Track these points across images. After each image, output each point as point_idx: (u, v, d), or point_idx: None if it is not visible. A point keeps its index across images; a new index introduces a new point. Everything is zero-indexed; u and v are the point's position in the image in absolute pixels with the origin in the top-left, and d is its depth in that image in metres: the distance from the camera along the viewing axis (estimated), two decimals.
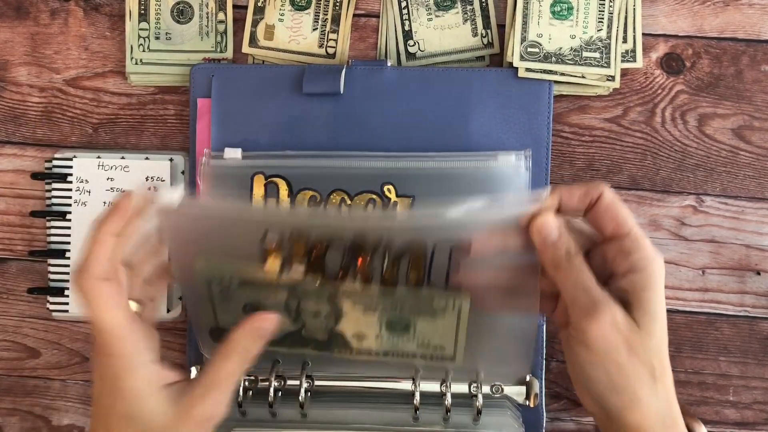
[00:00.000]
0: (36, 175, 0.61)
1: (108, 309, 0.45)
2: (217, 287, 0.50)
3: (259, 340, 0.48)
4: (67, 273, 0.61)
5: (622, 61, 0.60)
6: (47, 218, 0.61)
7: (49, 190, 0.61)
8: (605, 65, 0.59)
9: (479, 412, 0.54)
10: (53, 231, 0.61)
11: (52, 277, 0.61)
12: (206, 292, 0.50)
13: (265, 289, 0.49)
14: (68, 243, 0.61)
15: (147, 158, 0.61)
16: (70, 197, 0.60)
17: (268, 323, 0.48)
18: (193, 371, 0.59)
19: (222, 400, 0.46)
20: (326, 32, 0.62)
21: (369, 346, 0.51)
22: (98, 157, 0.60)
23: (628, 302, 0.44)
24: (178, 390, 0.46)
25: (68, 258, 0.61)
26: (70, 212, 0.60)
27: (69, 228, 0.61)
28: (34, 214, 0.61)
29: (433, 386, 0.54)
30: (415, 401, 0.53)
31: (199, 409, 0.45)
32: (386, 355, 0.51)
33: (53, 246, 0.61)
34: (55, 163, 0.61)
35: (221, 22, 0.62)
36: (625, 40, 0.60)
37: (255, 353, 0.48)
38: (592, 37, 0.59)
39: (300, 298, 0.49)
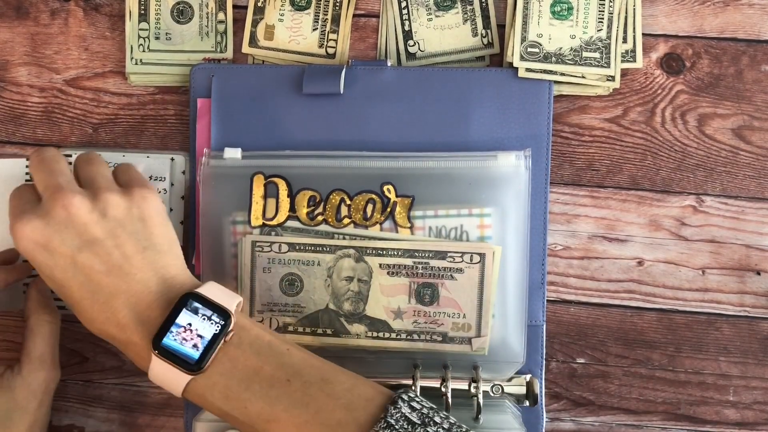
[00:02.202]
0: None
1: None
2: (264, 254, 0.56)
3: (46, 294, 0.57)
4: None
5: (622, 61, 0.60)
6: None
7: None
8: (605, 65, 0.59)
9: (479, 412, 0.54)
10: None
11: None
12: (249, 261, 0.56)
13: (309, 253, 0.56)
14: None
15: (148, 156, 0.60)
16: None
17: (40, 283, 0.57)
18: None
19: (51, 365, 0.55)
20: (326, 32, 0.62)
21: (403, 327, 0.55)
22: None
23: None
24: (8, 377, 0.54)
25: None
26: None
27: None
28: None
29: (433, 384, 0.54)
30: None
31: (36, 383, 0.54)
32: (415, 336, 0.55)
33: None
34: None
35: (221, 22, 0.62)
36: (625, 40, 0.60)
37: (54, 307, 0.57)
38: (592, 37, 0.59)
39: (336, 262, 0.56)
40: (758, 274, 0.60)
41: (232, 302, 0.48)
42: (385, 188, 0.57)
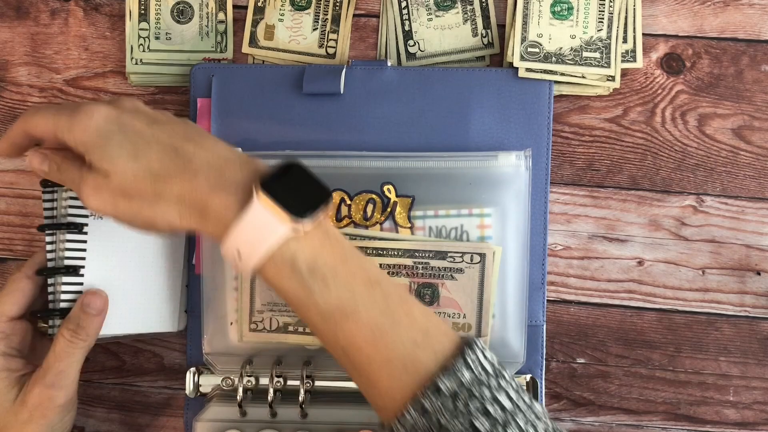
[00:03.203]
0: (46, 183, 0.53)
1: None
2: None
3: (93, 317, 0.52)
4: (80, 293, 0.53)
5: (622, 61, 0.60)
6: (49, 232, 0.53)
7: (54, 200, 0.54)
8: (605, 65, 0.59)
9: None
10: (69, 245, 0.53)
11: (63, 297, 0.52)
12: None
13: None
14: (83, 259, 0.53)
15: None
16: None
17: (97, 299, 0.52)
18: (192, 372, 0.59)
19: (54, 385, 0.50)
20: (326, 32, 0.62)
21: None
22: None
23: None
24: (24, 380, 0.51)
25: (82, 275, 0.53)
26: (86, 224, 0.53)
27: (85, 242, 0.53)
28: (42, 228, 0.53)
29: None
30: None
31: (31, 396, 0.50)
32: None
33: (68, 262, 0.53)
34: None
35: (221, 22, 0.62)
36: (625, 40, 0.60)
37: (92, 331, 0.51)
38: (592, 37, 0.59)
39: None
40: (758, 274, 0.60)
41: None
42: (385, 188, 0.57)
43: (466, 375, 0.42)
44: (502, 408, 0.42)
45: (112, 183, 0.46)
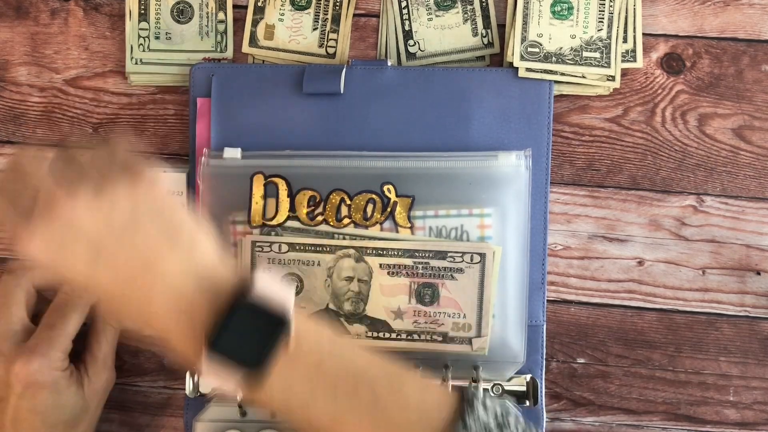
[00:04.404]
0: None
1: None
2: (264, 254, 0.56)
3: None
4: None
5: (623, 61, 0.60)
6: None
7: None
8: (605, 65, 0.59)
9: None
10: None
11: None
12: (249, 261, 0.56)
13: (309, 253, 0.56)
14: None
15: (165, 171, 0.60)
16: None
17: None
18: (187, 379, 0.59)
19: (112, 368, 0.57)
20: (326, 32, 0.62)
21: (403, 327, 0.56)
22: None
23: None
24: (77, 376, 0.55)
25: None
26: None
27: None
28: None
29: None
30: None
31: (99, 382, 0.56)
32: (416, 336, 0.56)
33: None
34: None
35: (221, 21, 0.62)
36: (625, 40, 0.60)
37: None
38: (592, 37, 0.59)
39: (336, 262, 0.56)
40: (758, 274, 0.60)
41: (289, 297, 0.43)
42: (385, 188, 0.57)
43: None
44: None
45: None
